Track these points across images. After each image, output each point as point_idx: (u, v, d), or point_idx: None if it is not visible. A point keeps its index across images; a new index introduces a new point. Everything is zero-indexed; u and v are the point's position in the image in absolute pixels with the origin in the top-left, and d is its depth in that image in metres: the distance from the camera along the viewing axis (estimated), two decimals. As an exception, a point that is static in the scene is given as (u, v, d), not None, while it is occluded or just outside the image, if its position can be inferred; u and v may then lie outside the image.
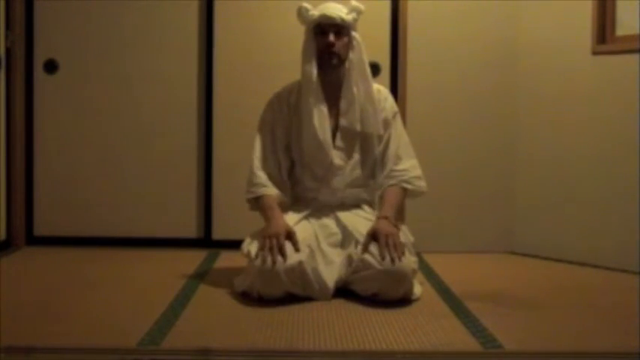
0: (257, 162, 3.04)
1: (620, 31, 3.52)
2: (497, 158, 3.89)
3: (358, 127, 3.01)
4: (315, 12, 2.97)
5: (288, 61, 3.66)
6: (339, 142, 3.03)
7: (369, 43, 3.04)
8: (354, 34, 2.99)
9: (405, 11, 3.82)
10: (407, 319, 2.58)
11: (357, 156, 3.05)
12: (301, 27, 3.07)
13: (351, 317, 2.60)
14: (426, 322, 2.54)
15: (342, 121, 3.01)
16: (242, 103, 3.86)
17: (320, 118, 2.99)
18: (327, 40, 2.93)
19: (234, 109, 3.88)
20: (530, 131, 3.81)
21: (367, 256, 2.78)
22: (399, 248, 2.77)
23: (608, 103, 3.52)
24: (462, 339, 2.37)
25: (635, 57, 3.39)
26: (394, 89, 3.74)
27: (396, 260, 2.73)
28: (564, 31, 3.65)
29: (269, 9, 3.87)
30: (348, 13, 2.96)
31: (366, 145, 3.06)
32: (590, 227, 3.58)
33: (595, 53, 3.54)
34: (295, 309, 2.69)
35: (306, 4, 3.00)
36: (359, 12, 2.99)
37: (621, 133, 3.46)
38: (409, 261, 2.79)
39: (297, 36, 3.40)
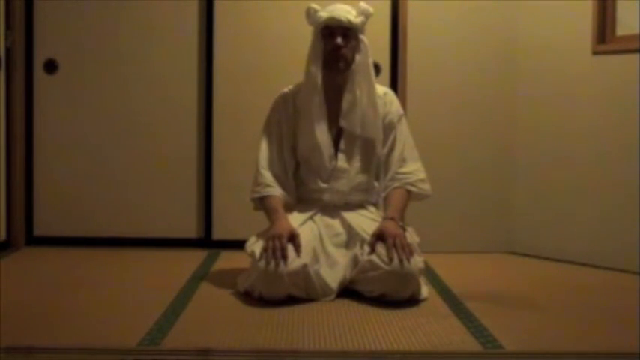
0: (263, 162, 3.03)
1: (620, 31, 3.52)
2: (498, 158, 3.89)
3: (358, 131, 3.00)
4: (323, 13, 2.94)
5: (289, 61, 3.68)
6: (343, 145, 3.03)
7: (370, 43, 3.04)
8: (361, 37, 2.98)
9: (405, 11, 3.83)
10: (407, 319, 2.58)
11: (361, 159, 3.04)
12: (302, 27, 3.07)
13: (351, 317, 2.60)
14: (426, 322, 2.54)
15: (343, 123, 3.00)
16: (242, 103, 3.86)
17: (319, 119, 2.98)
18: (335, 42, 2.91)
19: (234, 109, 3.88)
20: (530, 131, 3.81)
21: (374, 257, 2.78)
22: (406, 249, 2.77)
23: (608, 103, 3.52)
24: (462, 339, 2.37)
25: (635, 57, 3.39)
26: (394, 89, 3.73)
27: (405, 261, 2.74)
28: (564, 31, 3.66)
29: (269, 9, 3.87)
30: (356, 16, 2.94)
31: (369, 149, 3.05)
32: (590, 227, 3.58)
33: (595, 53, 3.54)
34: (296, 309, 2.69)
35: (314, 5, 2.98)
36: (367, 15, 2.96)
37: (621, 132, 3.46)
38: (416, 261, 2.79)
39: (297, 36, 3.42)
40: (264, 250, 2.77)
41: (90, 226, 3.95)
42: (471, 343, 2.33)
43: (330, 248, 2.92)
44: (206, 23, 3.88)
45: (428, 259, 3.14)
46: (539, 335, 2.44)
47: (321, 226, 2.97)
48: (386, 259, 2.75)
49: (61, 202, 3.95)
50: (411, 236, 2.91)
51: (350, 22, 2.91)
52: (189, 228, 3.97)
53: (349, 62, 2.96)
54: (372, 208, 3.07)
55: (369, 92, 3.00)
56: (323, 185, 3.03)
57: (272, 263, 2.72)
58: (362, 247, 2.87)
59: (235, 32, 3.88)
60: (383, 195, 3.08)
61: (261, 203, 3.02)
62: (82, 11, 3.90)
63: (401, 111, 3.13)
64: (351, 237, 2.94)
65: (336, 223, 2.98)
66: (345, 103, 2.99)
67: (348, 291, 2.86)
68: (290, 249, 2.77)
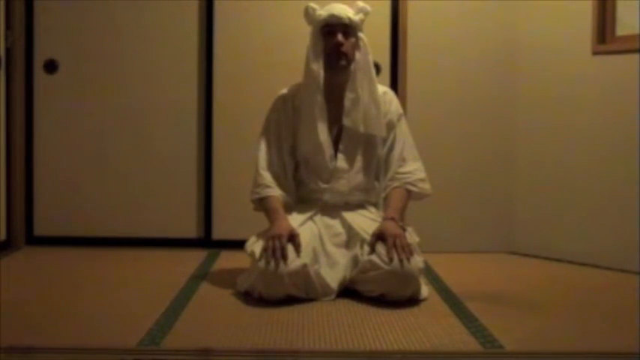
0: (263, 162, 3.03)
1: (620, 31, 3.52)
2: (497, 158, 3.89)
3: (361, 129, 3.00)
4: (322, 12, 2.95)
5: (288, 61, 3.68)
6: (343, 145, 3.03)
7: (370, 43, 3.04)
8: (360, 35, 2.99)
9: (405, 11, 3.83)
10: (407, 319, 2.58)
11: (361, 159, 3.04)
12: (302, 27, 3.06)
13: (351, 317, 2.60)
14: (426, 322, 2.54)
15: (346, 121, 3.00)
16: (242, 103, 3.86)
17: (320, 119, 2.98)
18: (336, 39, 2.92)
19: (234, 109, 3.88)
20: (530, 131, 3.81)
21: (374, 257, 2.78)
22: (406, 249, 2.77)
23: (608, 103, 3.52)
24: (462, 339, 2.37)
25: (635, 57, 3.39)
26: (394, 89, 3.72)
27: (405, 261, 2.74)
28: (564, 31, 3.65)
29: (269, 9, 3.87)
30: (355, 14, 2.96)
31: (370, 148, 3.05)
32: (590, 227, 3.57)
33: (595, 53, 3.54)
34: (296, 309, 2.69)
35: (312, 4, 3.00)
36: (366, 13, 2.98)
37: (621, 133, 3.46)
38: (416, 261, 2.79)
39: (297, 36, 3.41)
40: (264, 250, 2.77)
41: (90, 226, 3.95)
42: (470, 343, 2.33)
43: (330, 248, 2.92)
44: (206, 23, 3.88)
45: (428, 259, 3.14)
46: (539, 335, 2.44)
47: (321, 226, 2.97)
48: (386, 259, 2.75)
49: (61, 202, 3.95)
50: (411, 236, 2.91)
51: (350, 19, 2.93)
52: (189, 228, 3.97)
53: (350, 59, 2.96)
54: (372, 208, 3.07)
55: (370, 90, 3.00)
56: (323, 185, 3.03)
57: (272, 263, 2.72)
58: (362, 247, 2.87)
59: (235, 32, 3.88)
60: (383, 195, 3.08)
61: (261, 204, 3.02)
62: (82, 11, 3.90)
63: (400, 110, 3.13)
64: (351, 237, 2.94)
65: (336, 223, 2.98)
66: (347, 102, 2.99)
67: (348, 291, 2.86)
68: (290, 249, 2.77)
